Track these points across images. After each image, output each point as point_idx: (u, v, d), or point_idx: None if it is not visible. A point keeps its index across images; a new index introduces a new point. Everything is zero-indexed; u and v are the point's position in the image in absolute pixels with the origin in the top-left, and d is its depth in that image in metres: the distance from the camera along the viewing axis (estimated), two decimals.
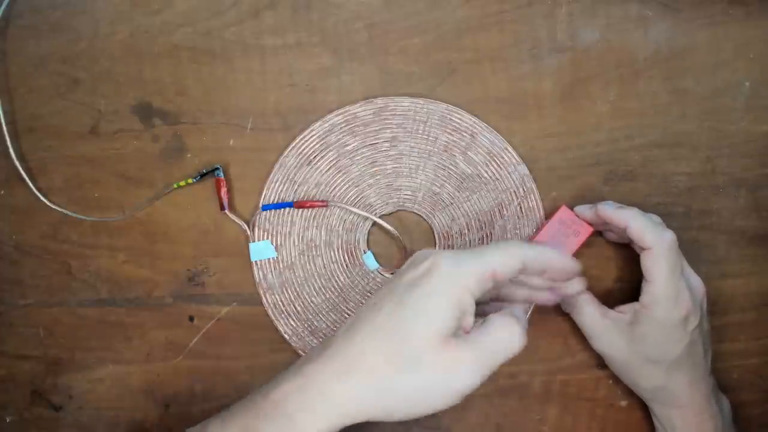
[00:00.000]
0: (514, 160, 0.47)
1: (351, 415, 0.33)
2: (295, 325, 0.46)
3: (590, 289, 0.45)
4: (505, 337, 0.34)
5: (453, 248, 0.47)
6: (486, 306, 0.40)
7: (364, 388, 0.32)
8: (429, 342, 0.32)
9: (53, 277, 0.47)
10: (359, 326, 0.33)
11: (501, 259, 0.34)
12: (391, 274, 0.46)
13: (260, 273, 0.46)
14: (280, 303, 0.46)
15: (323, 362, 0.33)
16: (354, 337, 0.33)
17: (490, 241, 0.47)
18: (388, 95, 0.48)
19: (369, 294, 0.46)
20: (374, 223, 0.47)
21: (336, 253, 0.47)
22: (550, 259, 0.36)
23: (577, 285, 0.40)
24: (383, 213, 0.47)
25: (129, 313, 0.47)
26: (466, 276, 0.33)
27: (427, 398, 0.33)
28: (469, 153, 0.47)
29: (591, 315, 0.43)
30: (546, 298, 0.41)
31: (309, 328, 0.46)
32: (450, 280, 0.33)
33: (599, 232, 0.47)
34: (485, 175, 0.47)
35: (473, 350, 0.33)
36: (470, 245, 0.47)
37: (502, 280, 0.34)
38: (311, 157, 0.47)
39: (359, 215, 0.47)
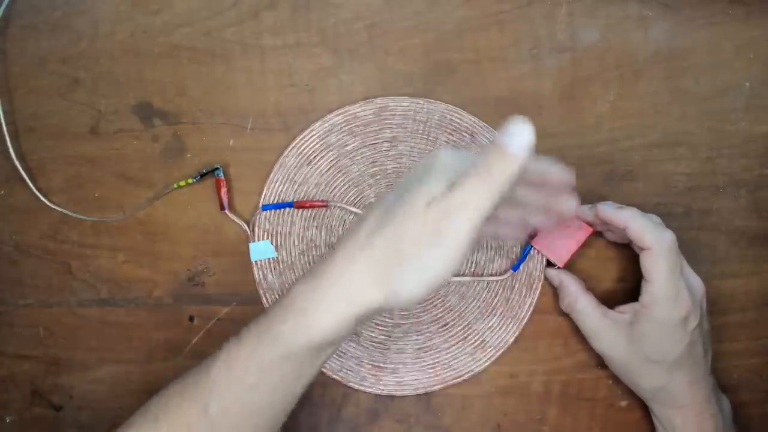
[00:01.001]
0: None
1: (361, 301, 0.32)
2: None
3: (590, 289, 0.45)
4: (494, 159, 0.31)
5: None
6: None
7: (368, 272, 0.32)
8: (422, 212, 0.31)
9: (53, 277, 0.47)
10: (365, 217, 0.33)
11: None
12: None
13: (260, 273, 0.46)
14: None
15: (330, 260, 0.33)
16: (358, 230, 0.33)
17: (491, 240, 0.47)
18: (388, 95, 0.48)
19: None
20: None
21: None
22: (547, 166, 0.36)
23: (571, 202, 0.38)
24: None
25: (129, 313, 0.47)
26: (460, 166, 0.32)
27: (428, 260, 0.32)
28: None
29: (591, 315, 0.43)
30: (540, 219, 0.39)
31: None
32: (449, 166, 0.32)
33: (599, 233, 0.46)
34: None
35: (459, 191, 0.31)
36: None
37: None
38: (311, 157, 0.47)
39: (359, 215, 0.47)
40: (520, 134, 0.30)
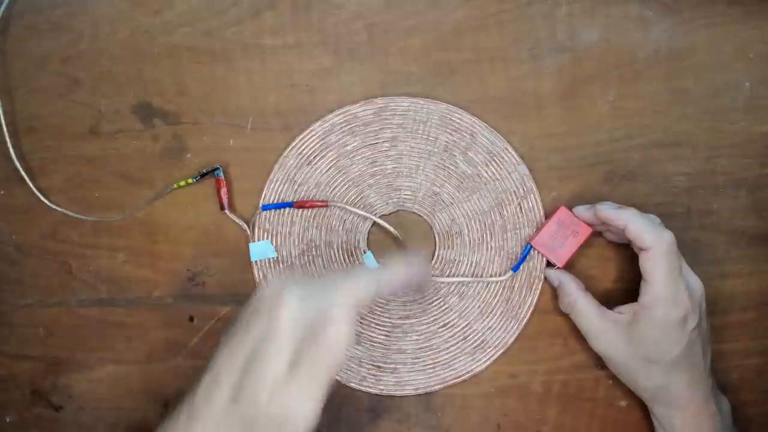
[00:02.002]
0: (514, 160, 0.47)
1: None
2: None
3: (589, 289, 0.45)
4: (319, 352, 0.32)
5: (452, 249, 0.47)
6: None
7: None
8: (267, 403, 0.32)
9: (53, 277, 0.47)
10: (215, 390, 0.33)
11: (350, 299, 0.33)
12: None
13: (260, 273, 0.46)
14: None
15: (189, 418, 0.33)
16: (212, 402, 0.32)
17: (491, 240, 0.47)
18: (388, 95, 0.48)
19: None
20: (374, 223, 0.47)
21: (336, 253, 0.47)
22: (400, 282, 0.36)
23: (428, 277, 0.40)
24: (383, 213, 0.47)
25: (129, 313, 0.47)
26: (307, 324, 0.32)
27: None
28: (469, 153, 0.47)
29: (590, 315, 0.43)
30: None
31: None
32: (294, 332, 0.32)
33: (598, 233, 0.47)
34: (485, 175, 0.47)
35: (296, 379, 0.32)
36: (470, 245, 0.47)
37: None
38: (311, 157, 0.47)
39: (359, 215, 0.47)
40: (338, 325, 0.31)
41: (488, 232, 0.47)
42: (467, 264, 0.47)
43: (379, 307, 0.46)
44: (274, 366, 0.32)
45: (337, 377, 0.46)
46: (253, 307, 0.34)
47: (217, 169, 0.46)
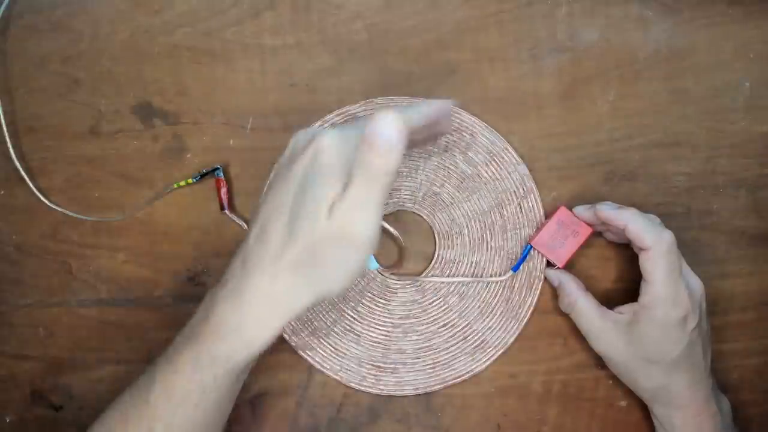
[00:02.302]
0: (514, 160, 0.47)
1: (292, 309, 0.34)
2: (294, 325, 0.46)
3: (589, 289, 0.45)
4: (371, 158, 0.31)
5: (452, 249, 0.47)
6: None
7: (292, 283, 0.33)
8: (326, 218, 0.32)
9: (53, 277, 0.47)
10: (269, 229, 0.33)
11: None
12: (392, 273, 0.46)
13: None
14: None
15: (248, 276, 0.33)
16: (267, 242, 0.33)
17: (491, 240, 0.47)
18: (388, 95, 0.48)
19: (369, 294, 0.46)
20: None
21: None
22: (429, 114, 0.36)
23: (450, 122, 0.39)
24: (383, 213, 0.47)
25: (129, 313, 0.47)
26: (350, 152, 0.32)
27: (344, 260, 0.33)
28: (469, 153, 0.47)
29: (590, 315, 0.43)
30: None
31: (309, 328, 0.46)
32: (338, 158, 0.32)
33: (598, 233, 0.47)
34: (485, 174, 0.47)
35: (354, 192, 0.32)
36: (470, 245, 0.47)
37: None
38: None
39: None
40: (387, 129, 0.30)
41: (488, 232, 0.47)
42: (467, 264, 0.47)
43: (380, 306, 0.46)
44: (327, 188, 0.32)
45: (337, 377, 0.46)
46: (290, 152, 0.35)
47: (217, 169, 0.46)
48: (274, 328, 0.34)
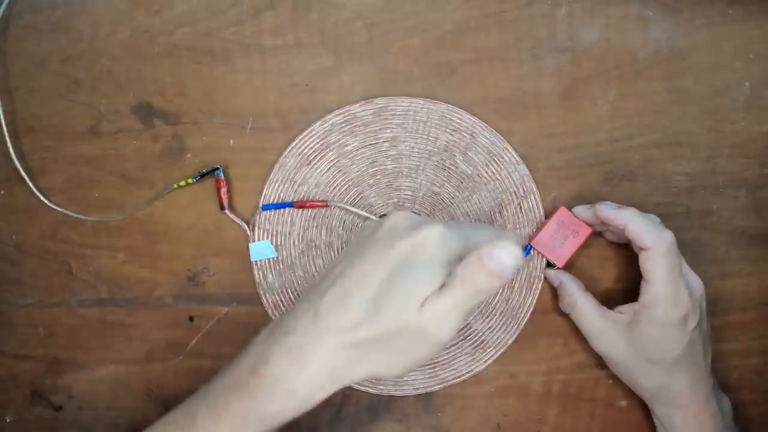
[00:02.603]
0: (514, 160, 0.47)
1: (347, 381, 0.33)
2: None
3: (590, 289, 0.45)
4: (480, 276, 0.31)
5: None
6: None
7: (358, 358, 0.32)
8: (416, 313, 0.32)
9: (53, 277, 0.47)
10: (354, 297, 0.32)
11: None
12: None
13: (260, 273, 0.46)
14: (280, 303, 0.46)
15: (317, 338, 0.32)
16: (349, 309, 0.32)
17: None
18: (388, 95, 0.48)
19: None
20: None
21: (336, 253, 0.47)
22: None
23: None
24: (383, 213, 0.47)
25: (129, 313, 0.47)
26: (453, 252, 0.32)
27: (414, 353, 0.33)
28: (469, 153, 0.47)
29: (590, 315, 0.43)
30: None
31: None
32: (441, 255, 0.32)
33: (598, 233, 0.47)
34: (485, 175, 0.47)
35: (451, 297, 0.32)
36: None
37: None
38: (311, 157, 0.47)
39: (359, 215, 0.47)
40: (508, 260, 0.30)
41: None
42: None
43: None
44: (425, 284, 0.32)
45: None
46: (388, 229, 0.34)
47: (217, 169, 0.46)
48: (326, 393, 0.33)
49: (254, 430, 0.34)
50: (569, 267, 0.46)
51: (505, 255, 0.30)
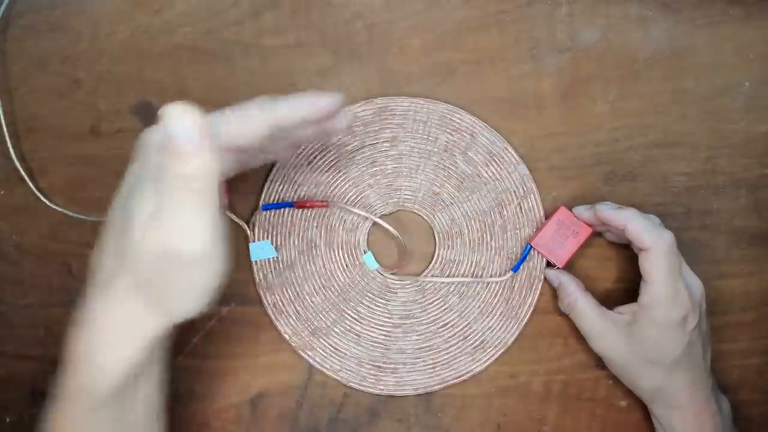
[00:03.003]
0: (514, 160, 0.47)
1: (141, 333, 0.32)
2: (295, 325, 0.46)
3: (589, 289, 0.45)
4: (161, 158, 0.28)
5: (452, 249, 0.47)
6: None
7: (131, 308, 0.31)
8: (143, 242, 0.29)
9: (53, 277, 0.47)
10: (103, 248, 0.31)
11: (238, 132, 0.31)
12: (392, 273, 0.46)
13: (260, 273, 0.46)
14: (280, 303, 0.46)
15: (91, 307, 0.32)
16: (101, 265, 0.31)
17: (491, 240, 0.47)
18: (388, 95, 0.48)
19: (369, 294, 0.46)
20: (374, 223, 0.47)
21: (336, 253, 0.47)
22: (303, 110, 0.33)
23: (344, 119, 0.36)
24: (383, 213, 0.47)
25: None
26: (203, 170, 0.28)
27: (184, 274, 0.30)
28: (469, 153, 0.47)
29: (590, 316, 0.43)
30: (310, 137, 0.38)
31: (309, 328, 0.46)
32: (212, 201, 0.29)
33: (598, 233, 0.47)
34: (485, 175, 0.47)
35: (170, 198, 0.29)
36: (470, 245, 0.47)
37: (249, 149, 0.32)
38: (311, 157, 0.47)
39: (359, 215, 0.47)
40: (182, 131, 0.27)
41: (488, 232, 0.47)
42: (467, 264, 0.47)
43: (380, 306, 0.46)
44: (142, 202, 0.29)
45: (337, 377, 0.46)
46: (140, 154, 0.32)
47: None
48: (125, 356, 0.32)
49: (79, 407, 0.33)
50: (569, 267, 0.46)
51: (175, 127, 0.26)
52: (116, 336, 0.32)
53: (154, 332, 0.32)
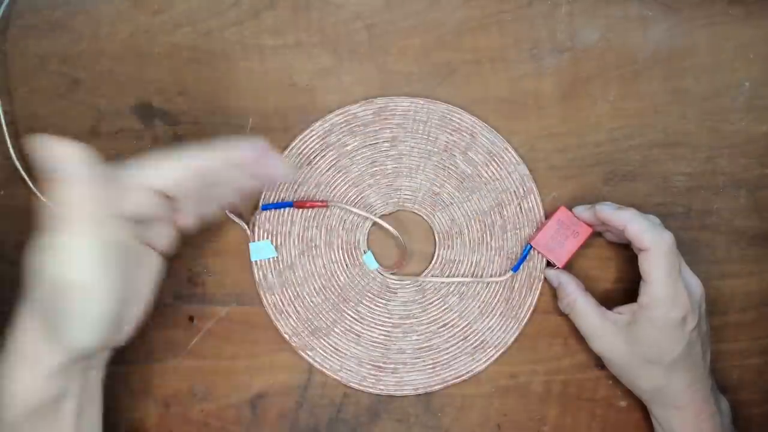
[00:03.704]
0: (514, 160, 0.47)
1: (41, 362, 0.32)
2: (295, 325, 0.46)
3: (589, 289, 0.45)
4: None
5: (452, 249, 0.47)
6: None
7: (31, 335, 0.32)
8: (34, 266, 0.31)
9: None
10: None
11: (155, 175, 0.32)
12: (392, 273, 0.46)
13: (260, 273, 0.46)
14: (280, 303, 0.46)
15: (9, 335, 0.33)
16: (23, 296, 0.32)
17: (491, 240, 0.47)
18: (388, 95, 0.48)
19: (369, 294, 0.46)
20: (374, 223, 0.47)
21: (336, 253, 0.47)
22: (220, 158, 0.34)
23: (280, 167, 0.36)
24: (383, 213, 0.47)
25: None
26: (112, 218, 0.30)
27: (77, 306, 0.31)
28: (469, 153, 0.47)
29: (589, 316, 0.43)
30: (252, 185, 0.38)
31: (309, 328, 0.46)
32: (94, 230, 0.30)
33: (598, 233, 0.47)
34: (485, 175, 0.47)
35: (55, 229, 0.30)
36: (470, 245, 0.47)
37: (174, 194, 0.33)
38: (311, 157, 0.47)
39: (359, 215, 0.47)
40: (50, 155, 0.29)
41: (488, 232, 0.47)
42: (467, 264, 0.47)
43: (380, 306, 0.46)
44: (42, 236, 0.31)
45: (337, 377, 0.46)
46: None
47: None
48: (30, 387, 0.32)
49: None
50: (569, 267, 0.46)
51: (46, 153, 0.28)
52: (21, 364, 0.32)
53: (57, 361, 0.32)
